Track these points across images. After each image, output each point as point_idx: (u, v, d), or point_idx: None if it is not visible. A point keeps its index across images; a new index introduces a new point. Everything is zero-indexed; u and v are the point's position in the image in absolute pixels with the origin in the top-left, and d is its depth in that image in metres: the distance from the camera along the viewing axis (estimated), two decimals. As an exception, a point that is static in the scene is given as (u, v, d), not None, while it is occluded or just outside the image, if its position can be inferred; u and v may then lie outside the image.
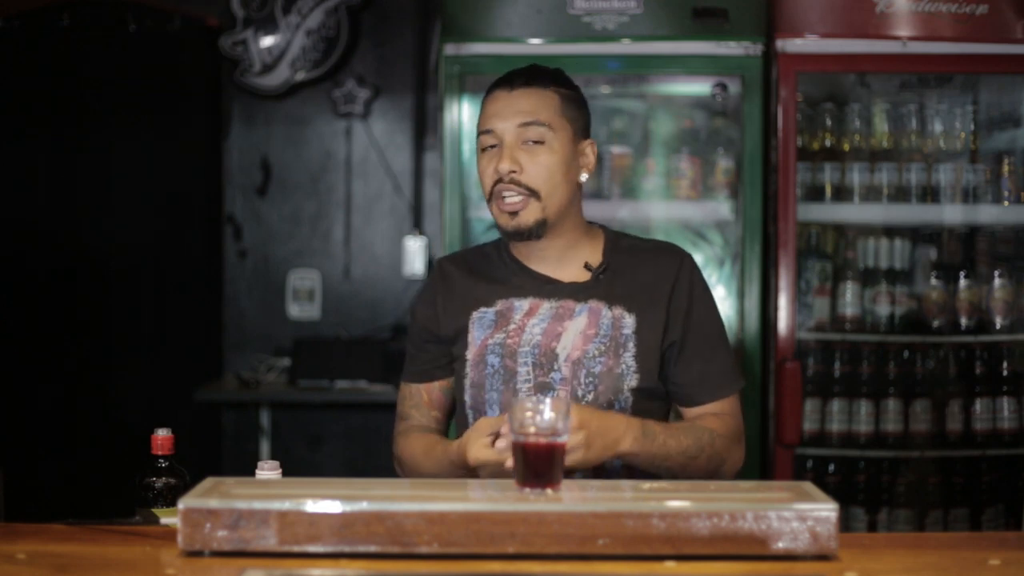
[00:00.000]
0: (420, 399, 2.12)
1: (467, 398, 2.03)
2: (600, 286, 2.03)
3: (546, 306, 2.02)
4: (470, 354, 2.02)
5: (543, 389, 1.97)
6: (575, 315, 2.01)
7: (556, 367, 1.97)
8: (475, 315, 2.05)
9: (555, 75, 2.05)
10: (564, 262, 2.05)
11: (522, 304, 2.03)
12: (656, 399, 2.02)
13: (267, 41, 4.68)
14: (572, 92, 2.05)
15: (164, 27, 4.59)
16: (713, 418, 1.99)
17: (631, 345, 1.98)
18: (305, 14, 4.68)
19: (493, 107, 2.02)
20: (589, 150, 2.06)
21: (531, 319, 2.01)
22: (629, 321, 1.99)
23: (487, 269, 2.11)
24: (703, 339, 2.03)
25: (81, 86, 4.61)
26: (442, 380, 2.11)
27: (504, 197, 1.98)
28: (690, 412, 2.04)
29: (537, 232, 2.00)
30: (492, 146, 2.01)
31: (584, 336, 1.98)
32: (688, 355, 2.01)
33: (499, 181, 1.98)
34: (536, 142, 1.98)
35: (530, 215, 1.98)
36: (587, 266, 2.05)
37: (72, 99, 4.61)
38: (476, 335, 2.03)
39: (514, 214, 1.98)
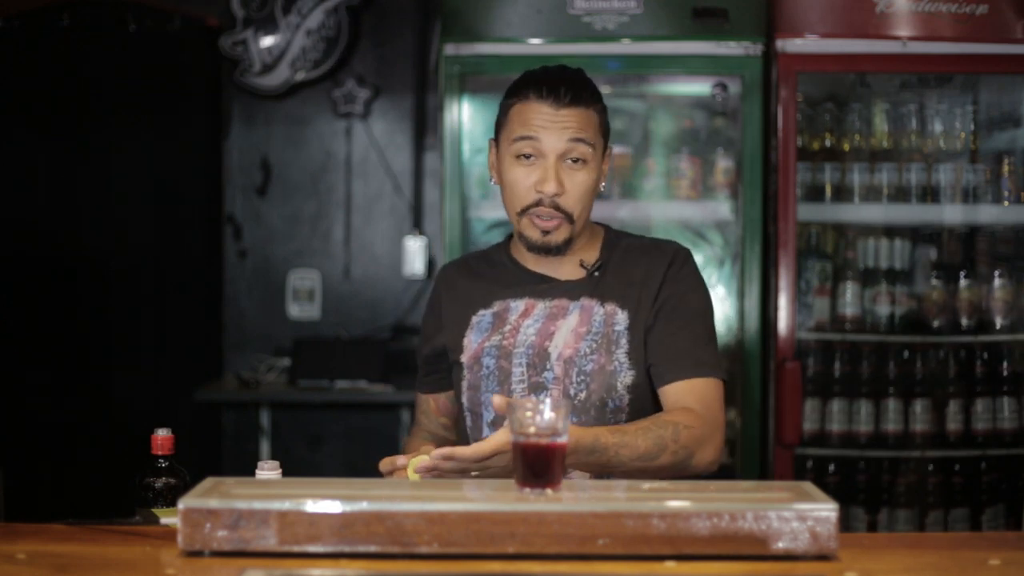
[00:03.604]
0: (428, 406, 2.18)
1: (464, 400, 2.03)
2: (594, 283, 2.02)
3: (541, 306, 2.02)
4: (466, 357, 2.02)
5: (537, 389, 1.96)
6: (568, 313, 2.00)
7: (548, 366, 1.96)
8: (474, 319, 2.05)
9: (592, 90, 2.00)
10: (563, 261, 2.04)
11: (518, 305, 2.03)
12: (654, 395, 1.98)
13: (267, 41, 4.68)
14: (604, 105, 2.02)
15: (164, 27, 4.59)
16: (683, 411, 1.89)
17: (624, 341, 1.96)
18: (305, 14, 4.67)
19: (537, 119, 1.95)
20: (608, 157, 2.05)
21: (526, 320, 2.01)
22: (622, 317, 1.98)
23: (487, 271, 2.11)
24: (674, 315, 1.98)
25: (81, 86, 4.60)
26: (449, 390, 2.14)
27: (540, 216, 1.97)
28: (665, 394, 1.95)
29: (563, 249, 2.00)
30: (528, 155, 1.96)
31: (575, 334, 1.97)
32: (658, 330, 1.97)
33: (539, 203, 1.96)
34: (577, 160, 1.96)
35: (561, 235, 1.98)
36: (582, 264, 2.05)
37: (72, 99, 4.61)
38: (473, 338, 2.03)
39: (546, 232, 1.98)
